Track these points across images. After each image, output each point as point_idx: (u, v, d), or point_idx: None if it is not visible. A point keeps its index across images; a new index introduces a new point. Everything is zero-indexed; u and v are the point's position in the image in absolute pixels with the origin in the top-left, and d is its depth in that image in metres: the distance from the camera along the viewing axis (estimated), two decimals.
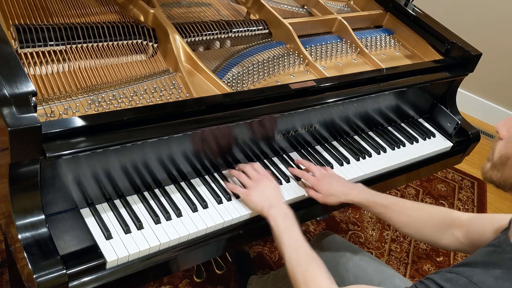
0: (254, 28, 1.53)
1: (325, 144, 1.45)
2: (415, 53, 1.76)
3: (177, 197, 1.14)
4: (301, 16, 1.72)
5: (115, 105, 1.10)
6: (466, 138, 1.65)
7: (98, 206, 1.06)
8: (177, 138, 1.09)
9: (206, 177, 1.22)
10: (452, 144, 1.63)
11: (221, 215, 1.13)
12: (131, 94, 1.15)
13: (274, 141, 1.31)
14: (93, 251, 0.97)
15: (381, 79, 1.45)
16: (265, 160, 1.33)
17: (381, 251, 2.11)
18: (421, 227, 1.19)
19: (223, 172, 1.24)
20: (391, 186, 1.84)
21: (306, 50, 1.49)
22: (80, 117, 0.95)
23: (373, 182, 1.42)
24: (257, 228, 1.17)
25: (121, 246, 0.99)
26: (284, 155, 1.36)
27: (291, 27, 1.51)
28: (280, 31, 1.54)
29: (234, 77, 1.33)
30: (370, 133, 1.57)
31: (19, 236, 0.89)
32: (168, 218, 1.08)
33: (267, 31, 1.56)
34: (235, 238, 1.16)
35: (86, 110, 1.06)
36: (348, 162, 1.41)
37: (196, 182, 1.20)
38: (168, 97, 1.18)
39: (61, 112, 1.02)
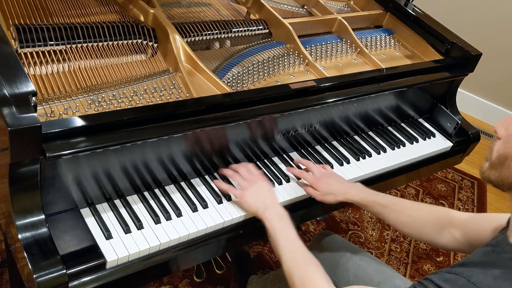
0: (254, 28, 1.53)
1: (325, 144, 1.45)
2: (415, 53, 1.76)
3: (177, 197, 1.14)
4: (301, 16, 1.72)
5: (115, 105, 1.10)
6: (466, 138, 1.65)
7: (98, 206, 1.06)
8: (177, 138, 1.09)
9: (206, 177, 1.22)
10: (452, 144, 1.64)
11: (221, 215, 1.13)
12: (131, 94, 1.15)
13: (274, 141, 1.31)
14: (93, 251, 0.97)
15: (381, 79, 1.45)
16: (265, 160, 1.33)
17: (381, 251, 2.11)
18: (420, 226, 1.19)
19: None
20: (391, 186, 1.84)
21: (306, 50, 1.49)
22: (80, 117, 0.95)
23: (373, 182, 1.42)
24: (257, 228, 1.17)
25: (121, 246, 0.99)
26: (284, 155, 1.36)
27: (291, 27, 1.51)
28: (280, 31, 1.54)
29: (234, 77, 1.33)
30: (370, 133, 1.57)
31: (19, 236, 0.89)
32: (168, 218, 1.08)
33: (267, 31, 1.56)
34: (235, 238, 1.16)
35: (86, 110, 1.06)
36: (348, 162, 1.41)
37: (196, 182, 1.20)
38: (168, 97, 1.18)
39: (61, 112, 1.02)
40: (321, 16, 1.73)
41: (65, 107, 1.04)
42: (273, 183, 1.26)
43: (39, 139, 0.86)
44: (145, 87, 1.18)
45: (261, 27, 1.55)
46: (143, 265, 1.01)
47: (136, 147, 1.03)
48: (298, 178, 1.30)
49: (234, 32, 1.48)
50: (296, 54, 1.48)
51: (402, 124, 1.65)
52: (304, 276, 0.96)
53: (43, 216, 0.92)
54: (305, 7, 1.80)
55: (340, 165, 1.39)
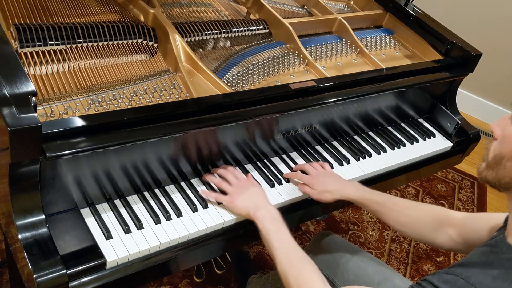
0: (254, 28, 1.53)
1: (325, 144, 1.45)
2: (415, 53, 1.76)
3: (177, 197, 1.14)
4: (301, 16, 1.72)
5: (115, 105, 1.10)
6: (466, 138, 1.65)
7: (98, 206, 1.06)
8: (177, 138, 1.09)
9: (208, 174, 1.21)
10: (452, 144, 1.64)
11: (221, 215, 1.13)
12: (131, 94, 1.15)
13: (274, 141, 1.31)
14: (93, 251, 0.97)
15: (381, 79, 1.45)
16: (265, 160, 1.33)
17: (381, 251, 2.11)
18: (417, 226, 1.19)
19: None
20: (391, 186, 1.84)
21: (306, 50, 1.49)
22: (80, 117, 0.95)
23: (373, 182, 1.42)
24: (257, 228, 1.17)
25: (121, 246, 0.99)
26: (284, 155, 1.36)
27: (291, 27, 1.51)
28: (280, 31, 1.54)
29: (234, 77, 1.33)
30: (370, 133, 1.57)
31: (19, 236, 0.89)
32: (168, 218, 1.08)
33: (267, 31, 1.56)
34: (235, 238, 1.16)
35: (86, 110, 1.06)
36: (348, 162, 1.41)
37: (196, 182, 1.20)
38: (168, 97, 1.17)
39: (61, 112, 1.02)
40: (321, 16, 1.73)
41: (65, 107, 1.04)
42: (273, 183, 1.26)
43: (39, 139, 0.86)
44: (145, 87, 1.18)
45: (261, 27, 1.55)
46: (143, 265, 1.01)
47: (136, 147, 1.03)
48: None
49: (234, 32, 1.48)
50: (296, 54, 1.48)
51: (402, 124, 1.65)
52: (299, 276, 0.96)
53: (43, 216, 0.92)
54: (305, 7, 1.80)
55: (340, 165, 1.40)
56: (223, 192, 1.17)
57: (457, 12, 3.00)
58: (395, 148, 1.53)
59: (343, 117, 1.44)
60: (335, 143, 1.47)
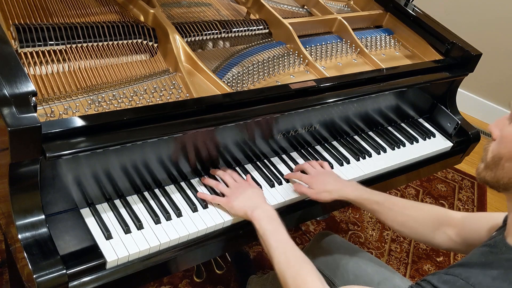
0: (254, 28, 1.53)
1: (325, 144, 1.45)
2: (415, 53, 1.76)
3: (177, 197, 1.14)
4: (301, 16, 1.72)
5: (115, 105, 1.10)
6: (466, 138, 1.65)
7: (98, 206, 1.06)
8: (177, 138, 1.09)
9: (206, 177, 1.21)
10: (452, 144, 1.64)
11: (221, 215, 1.13)
12: (131, 94, 1.15)
13: (274, 141, 1.31)
14: (93, 251, 0.97)
15: (381, 79, 1.45)
16: (265, 160, 1.33)
17: (381, 251, 2.11)
18: (416, 226, 1.19)
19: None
20: (391, 186, 1.84)
21: (306, 50, 1.49)
22: (80, 117, 0.95)
23: (373, 182, 1.42)
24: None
25: (121, 246, 0.99)
26: (284, 155, 1.36)
27: (291, 27, 1.51)
28: (280, 31, 1.54)
29: (234, 77, 1.33)
30: (370, 133, 1.57)
31: (19, 236, 0.89)
32: (168, 218, 1.08)
33: (267, 31, 1.56)
34: (235, 238, 1.16)
35: (86, 110, 1.06)
36: (348, 162, 1.41)
37: (196, 182, 1.20)
38: (168, 97, 1.17)
39: (61, 112, 1.02)
40: (321, 16, 1.73)
41: (65, 107, 1.04)
42: (273, 184, 1.26)
43: (39, 139, 0.86)
44: (145, 87, 1.18)
45: (261, 27, 1.55)
46: (143, 265, 1.01)
47: (136, 147, 1.03)
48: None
49: (234, 32, 1.48)
50: (296, 54, 1.48)
51: (402, 124, 1.65)
52: (297, 276, 0.95)
53: (43, 216, 0.92)
54: (305, 7, 1.80)
55: (340, 165, 1.40)
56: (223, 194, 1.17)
57: (457, 12, 3.00)
58: (395, 148, 1.53)
59: (343, 117, 1.44)
60: (335, 143, 1.47)
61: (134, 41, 1.28)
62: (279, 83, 1.37)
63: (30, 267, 0.87)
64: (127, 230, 1.02)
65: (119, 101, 1.11)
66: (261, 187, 1.23)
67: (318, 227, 2.14)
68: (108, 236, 1.00)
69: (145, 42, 1.30)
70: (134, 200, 1.10)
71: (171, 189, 1.16)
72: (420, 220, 1.19)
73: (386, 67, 1.53)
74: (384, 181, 1.45)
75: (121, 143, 0.98)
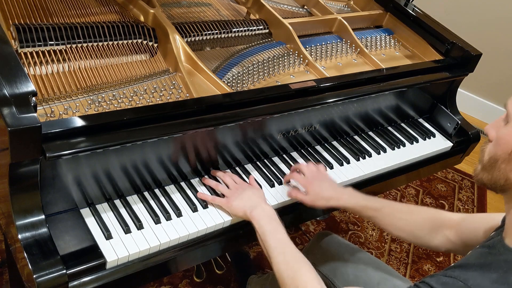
0: (254, 28, 1.53)
1: (325, 144, 1.45)
2: (415, 53, 1.76)
3: (177, 197, 1.14)
4: (301, 16, 1.72)
5: (115, 105, 1.10)
6: (466, 138, 1.65)
7: (98, 206, 1.06)
8: (177, 138, 1.09)
9: (206, 177, 1.21)
10: (452, 144, 1.64)
11: (221, 215, 1.13)
12: (131, 94, 1.15)
13: (274, 141, 1.31)
14: (93, 251, 0.97)
15: (381, 79, 1.45)
16: (265, 160, 1.33)
17: (381, 251, 2.11)
18: (413, 229, 1.18)
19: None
20: (391, 186, 1.84)
21: (306, 50, 1.49)
22: (80, 117, 0.95)
23: (373, 182, 1.42)
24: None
25: (121, 246, 0.99)
26: (284, 155, 1.36)
27: (291, 27, 1.51)
28: (280, 31, 1.54)
29: (234, 77, 1.33)
30: (370, 133, 1.57)
31: (19, 236, 0.89)
32: (168, 218, 1.08)
33: (267, 31, 1.57)
34: (235, 238, 1.16)
35: (86, 110, 1.06)
36: (348, 162, 1.41)
37: (196, 182, 1.20)
38: (168, 97, 1.17)
39: (61, 112, 1.02)
40: (321, 16, 1.73)
41: (65, 107, 1.04)
42: (273, 183, 1.26)
43: (39, 139, 0.86)
44: (145, 87, 1.18)
45: (261, 27, 1.55)
46: (143, 265, 1.01)
47: (136, 147, 1.03)
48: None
49: (234, 32, 1.48)
50: (296, 54, 1.48)
51: (402, 124, 1.65)
52: (295, 276, 0.95)
53: (43, 216, 0.92)
54: (305, 7, 1.80)
55: (340, 165, 1.39)
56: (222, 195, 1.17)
57: (457, 12, 3.00)
58: (395, 148, 1.53)
59: (343, 117, 1.44)
60: (335, 143, 1.47)
61: (134, 41, 1.28)
62: (279, 83, 1.37)
63: (30, 267, 0.87)
64: (127, 230, 1.02)
65: (119, 101, 1.11)
66: (261, 187, 1.23)
67: (318, 227, 2.14)
68: (108, 236, 1.00)
69: (145, 42, 1.30)
70: (134, 200, 1.10)
71: (171, 189, 1.16)
72: (417, 223, 1.18)
73: (386, 67, 1.53)
74: (384, 181, 1.45)
75: (121, 143, 0.98)
